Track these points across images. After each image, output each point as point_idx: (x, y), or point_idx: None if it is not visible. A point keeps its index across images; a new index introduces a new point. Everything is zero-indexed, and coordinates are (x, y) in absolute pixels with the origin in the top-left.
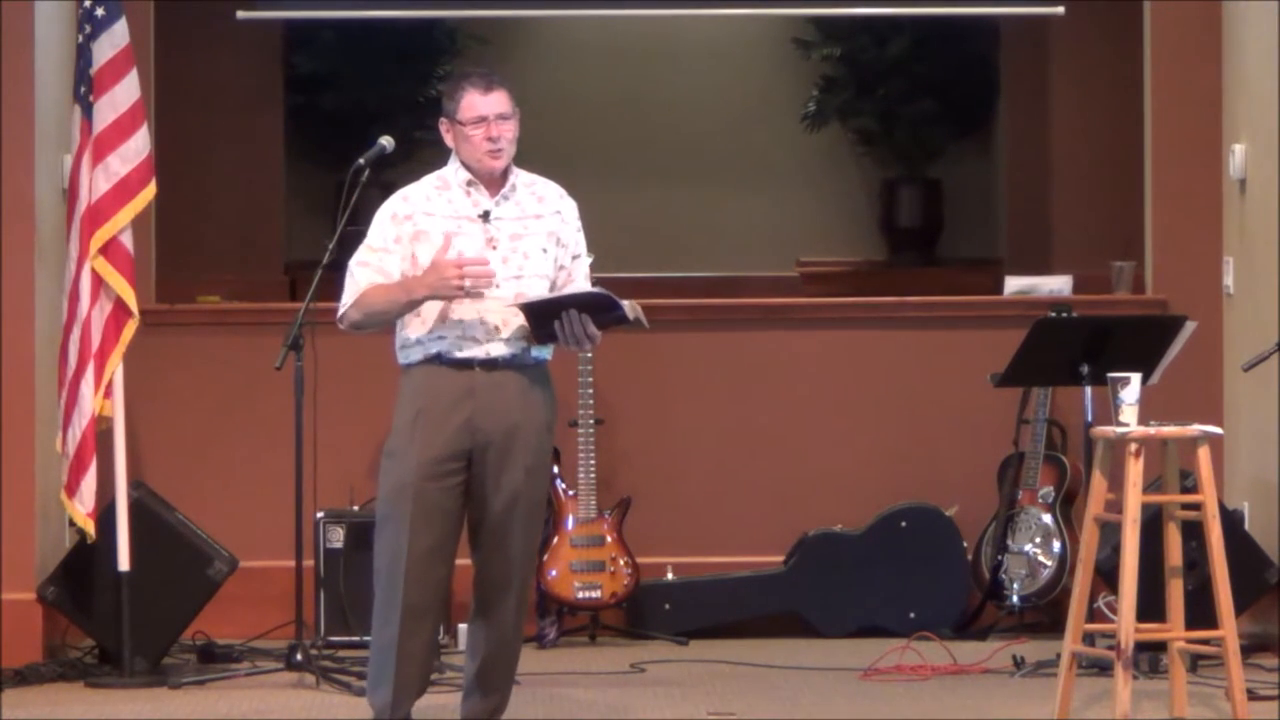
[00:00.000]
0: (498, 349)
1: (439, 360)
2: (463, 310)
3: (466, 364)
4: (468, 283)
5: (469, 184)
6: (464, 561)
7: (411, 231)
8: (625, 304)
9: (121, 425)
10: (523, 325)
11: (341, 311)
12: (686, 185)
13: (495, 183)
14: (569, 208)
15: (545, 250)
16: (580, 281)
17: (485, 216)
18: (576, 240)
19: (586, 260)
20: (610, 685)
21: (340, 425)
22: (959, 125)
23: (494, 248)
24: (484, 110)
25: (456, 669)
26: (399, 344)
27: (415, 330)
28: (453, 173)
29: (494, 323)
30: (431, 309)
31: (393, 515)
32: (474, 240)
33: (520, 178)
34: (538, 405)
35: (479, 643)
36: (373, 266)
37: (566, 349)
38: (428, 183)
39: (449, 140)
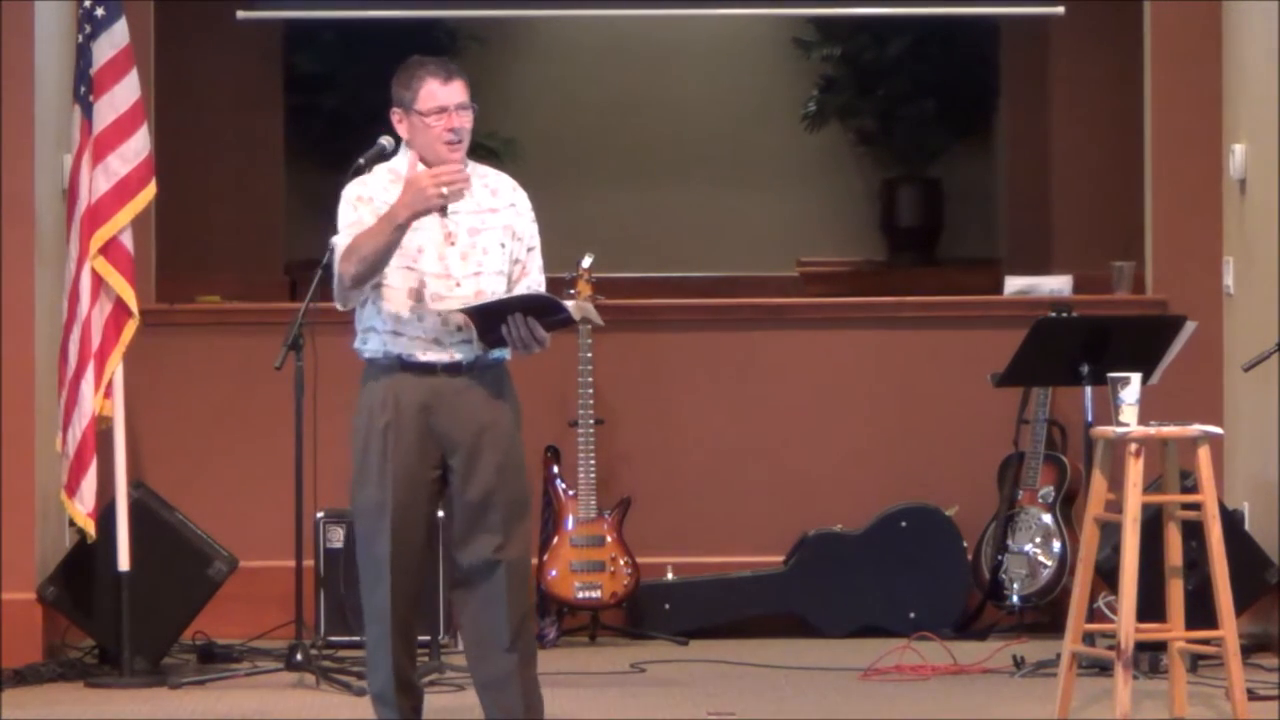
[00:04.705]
0: (461, 352)
1: (401, 365)
2: (424, 310)
3: (430, 369)
4: (445, 190)
5: None
6: None
7: (372, 216)
8: (570, 305)
9: (121, 425)
10: None
11: (336, 276)
12: (687, 185)
13: None
14: (522, 199)
15: (503, 245)
16: (535, 274)
17: (443, 210)
18: (531, 232)
19: (539, 253)
20: (610, 685)
21: (340, 425)
22: (959, 125)
23: (452, 243)
24: (444, 100)
25: (456, 669)
26: (360, 327)
27: (371, 318)
28: (405, 165)
29: (455, 323)
30: (394, 300)
31: (373, 530)
32: (432, 234)
33: (473, 170)
34: (503, 406)
35: (468, 628)
36: (356, 230)
37: (516, 352)
38: (381, 174)
39: (402, 131)
